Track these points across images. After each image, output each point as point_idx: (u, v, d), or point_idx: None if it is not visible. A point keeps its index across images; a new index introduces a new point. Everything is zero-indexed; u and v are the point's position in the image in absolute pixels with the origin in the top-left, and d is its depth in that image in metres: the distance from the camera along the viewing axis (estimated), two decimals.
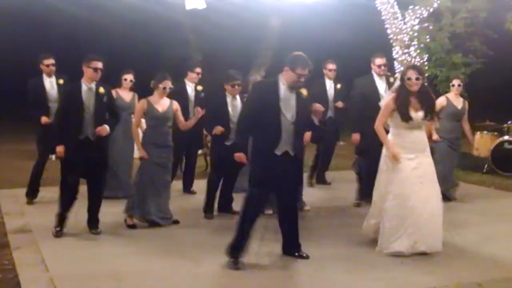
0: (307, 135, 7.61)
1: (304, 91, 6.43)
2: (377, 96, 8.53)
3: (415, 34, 14.62)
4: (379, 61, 8.92)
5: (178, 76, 9.62)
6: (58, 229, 7.47)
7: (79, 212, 7.69)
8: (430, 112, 6.86)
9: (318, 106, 6.49)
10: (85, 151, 7.30)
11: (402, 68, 7.02)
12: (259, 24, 18.67)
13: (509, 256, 6.69)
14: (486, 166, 12.33)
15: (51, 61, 9.12)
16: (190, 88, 9.82)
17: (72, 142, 7.29)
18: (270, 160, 6.27)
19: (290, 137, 6.31)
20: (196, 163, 10.42)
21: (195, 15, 17.25)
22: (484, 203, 9.54)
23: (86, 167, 7.41)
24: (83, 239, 7.34)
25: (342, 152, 13.61)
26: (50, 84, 9.14)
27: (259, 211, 6.51)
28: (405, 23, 14.86)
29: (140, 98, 8.55)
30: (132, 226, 7.87)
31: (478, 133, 12.76)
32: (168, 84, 7.90)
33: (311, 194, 9.65)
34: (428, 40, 14.52)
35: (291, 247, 6.66)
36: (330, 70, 10.39)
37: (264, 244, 6.96)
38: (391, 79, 8.98)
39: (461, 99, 9.70)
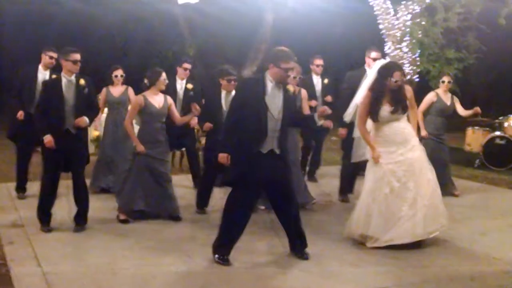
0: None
1: (291, 88, 6.37)
2: None
3: (408, 29, 14.63)
4: (374, 54, 8.85)
5: (170, 72, 9.61)
6: (46, 228, 7.41)
7: (72, 207, 7.66)
8: (401, 107, 6.88)
9: (323, 109, 6.36)
10: (66, 143, 7.25)
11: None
12: (253, 18, 18.64)
13: (501, 251, 6.72)
14: (477, 161, 12.38)
15: (55, 54, 9.02)
16: (179, 85, 9.79)
17: (53, 135, 7.22)
18: (255, 159, 6.14)
19: (276, 134, 6.20)
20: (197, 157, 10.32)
21: (188, 10, 17.23)
22: (476, 198, 9.59)
23: (68, 160, 7.36)
24: (76, 234, 7.31)
25: (334, 147, 13.63)
26: (43, 76, 9.03)
27: (245, 212, 6.31)
28: (397, 19, 14.86)
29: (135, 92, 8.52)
30: (125, 221, 7.86)
31: (470, 128, 12.81)
32: (164, 76, 7.93)
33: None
34: (420, 35, 14.52)
35: (293, 245, 6.56)
36: (317, 65, 10.41)
37: (258, 239, 6.98)
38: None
39: (449, 95, 9.72)
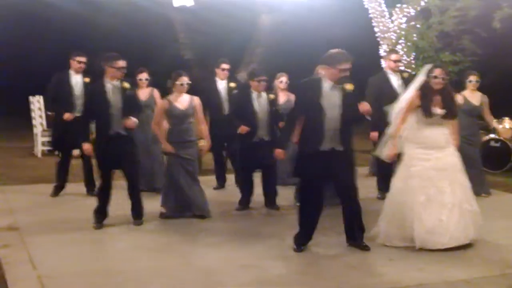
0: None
1: (349, 86, 6.53)
2: (392, 92, 8.78)
3: (403, 32, 14.67)
4: (394, 56, 9.15)
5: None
6: (97, 224, 7.66)
7: (67, 210, 7.67)
8: (451, 109, 6.96)
9: (364, 105, 6.60)
10: (117, 146, 7.55)
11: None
12: (250, 21, 18.64)
13: (497, 254, 6.72)
14: None
15: (83, 59, 9.22)
16: (220, 85, 10.02)
17: (103, 139, 7.53)
18: (316, 157, 6.44)
19: (336, 133, 6.46)
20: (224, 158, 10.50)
21: (184, 12, 17.22)
22: None
23: (120, 161, 7.63)
24: (71, 237, 7.30)
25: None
26: (75, 80, 9.28)
27: (313, 206, 6.69)
28: (392, 22, 14.90)
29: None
30: (165, 217, 8.09)
31: None
32: (185, 80, 8.06)
33: None
34: (415, 38, 14.55)
35: (352, 237, 6.82)
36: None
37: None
38: (405, 74, 9.22)
39: (479, 94, 9.72)
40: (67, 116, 9.10)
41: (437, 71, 6.92)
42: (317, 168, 6.48)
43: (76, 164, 9.77)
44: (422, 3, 14.43)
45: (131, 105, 7.73)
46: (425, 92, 6.95)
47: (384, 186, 9.19)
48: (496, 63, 17.22)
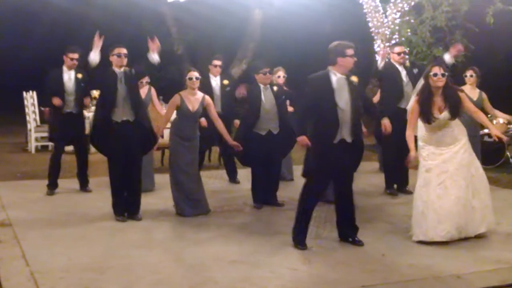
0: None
1: (354, 79, 6.66)
2: (400, 80, 9.06)
3: (397, 27, 14.68)
4: (398, 49, 9.29)
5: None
6: (120, 218, 7.76)
7: (59, 206, 7.66)
8: (456, 110, 6.93)
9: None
10: (127, 132, 7.67)
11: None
12: (241, 17, 18.63)
13: (488, 249, 6.74)
14: None
15: (75, 55, 9.23)
16: (214, 82, 10.04)
17: (109, 126, 7.66)
18: (329, 149, 6.54)
19: (348, 125, 6.55)
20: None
21: (176, 8, 17.20)
22: None
23: (129, 150, 7.73)
24: (64, 233, 7.30)
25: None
26: (68, 76, 9.29)
27: (316, 200, 6.82)
28: (386, 17, 14.91)
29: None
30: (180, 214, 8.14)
31: None
32: (195, 74, 8.12)
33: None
34: (409, 33, 14.57)
35: (347, 232, 6.87)
36: None
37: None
38: (407, 64, 9.32)
39: (477, 90, 9.75)
40: (55, 101, 9.11)
41: (436, 69, 6.88)
42: (332, 161, 6.56)
43: (68, 161, 9.77)
44: None
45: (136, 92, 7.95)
46: (424, 96, 6.92)
47: (390, 181, 9.32)
48: (489, 58, 17.27)
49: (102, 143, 7.82)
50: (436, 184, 6.89)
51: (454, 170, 6.91)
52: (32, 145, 13.73)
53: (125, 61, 7.73)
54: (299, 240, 6.71)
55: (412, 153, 6.92)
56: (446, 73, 6.89)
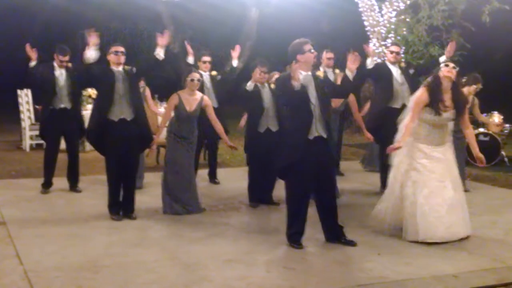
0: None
1: (320, 74, 6.69)
2: (391, 80, 9.04)
3: (392, 26, 14.66)
4: (393, 48, 9.32)
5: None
6: (115, 217, 7.74)
7: (54, 205, 7.62)
8: (461, 110, 6.94)
9: (355, 55, 6.80)
10: (124, 131, 7.64)
11: (378, 60, 7.17)
12: (238, 15, 18.62)
13: (485, 248, 6.73)
14: None
15: (66, 58, 9.20)
16: (205, 77, 9.99)
17: (105, 124, 7.62)
18: (303, 146, 6.47)
19: (319, 120, 6.55)
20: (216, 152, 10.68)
21: (172, 6, 17.17)
22: None
23: (126, 148, 7.70)
24: (58, 231, 7.25)
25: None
26: (60, 71, 9.23)
27: (302, 200, 6.68)
28: (382, 15, 14.89)
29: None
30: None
31: None
32: (196, 76, 8.13)
33: None
34: (405, 32, 14.55)
35: (334, 234, 6.83)
36: (328, 58, 10.34)
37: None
38: (402, 64, 9.35)
39: (472, 96, 9.73)
40: (30, 52, 9.11)
41: (447, 61, 6.96)
42: (306, 158, 6.49)
43: (63, 159, 9.70)
44: None
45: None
46: (434, 89, 6.87)
47: (385, 180, 9.30)
48: (485, 57, 17.28)
49: (99, 141, 7.78)
50: (423, 185, 6.85)
51: (441, 170, 6.89)
52: (27, 143, 13.67)
53: (122, 58, 7.69)
54: (295, 239, 6.67)
55: (397, 145, 6.84)
56: (456, 68, 6.90)
